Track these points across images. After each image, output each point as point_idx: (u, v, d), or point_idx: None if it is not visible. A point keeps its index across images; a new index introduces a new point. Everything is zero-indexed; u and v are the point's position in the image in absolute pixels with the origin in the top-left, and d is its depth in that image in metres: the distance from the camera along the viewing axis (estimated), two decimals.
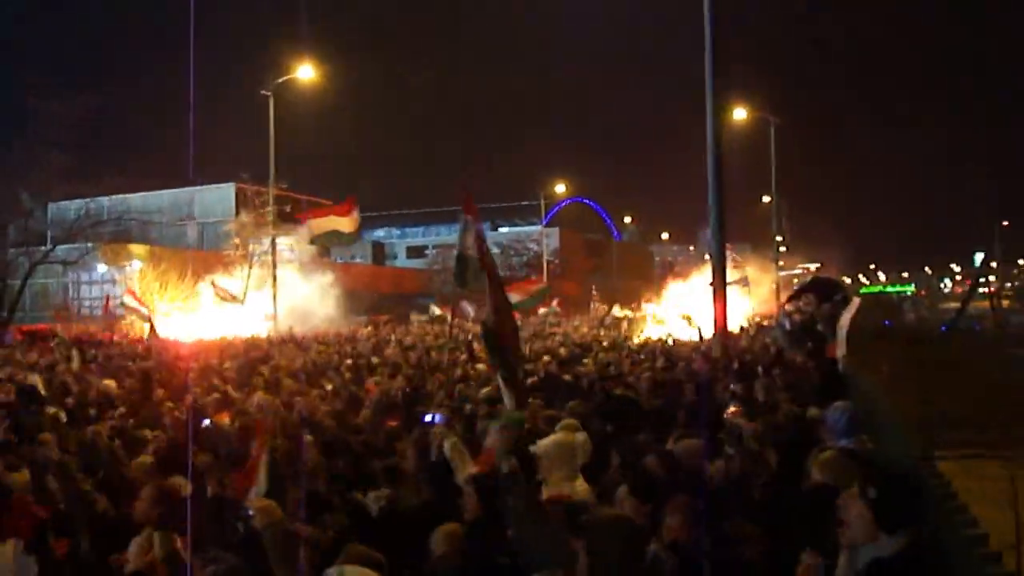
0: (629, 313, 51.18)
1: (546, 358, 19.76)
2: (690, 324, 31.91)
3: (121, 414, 13.11)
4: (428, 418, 9.77)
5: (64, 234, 43.80)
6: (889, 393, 8.47)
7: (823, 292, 12.44)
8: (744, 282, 41.71)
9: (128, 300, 40.25)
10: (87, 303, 50.76)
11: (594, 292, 63.92)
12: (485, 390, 13.15)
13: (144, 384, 15.47)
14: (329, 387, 16.09)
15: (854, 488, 4.43)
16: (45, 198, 44.67)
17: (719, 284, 20.30)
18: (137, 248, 51.30)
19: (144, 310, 38.47)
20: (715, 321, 20.55)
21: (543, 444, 7.97)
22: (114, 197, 45.90)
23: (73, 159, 42.00)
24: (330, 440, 10.24)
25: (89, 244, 45.28)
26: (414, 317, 52.96)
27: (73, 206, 44.87)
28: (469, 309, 36.54)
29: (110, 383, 16.30)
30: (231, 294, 40.33)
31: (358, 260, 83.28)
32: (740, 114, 49.25)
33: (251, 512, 5.67)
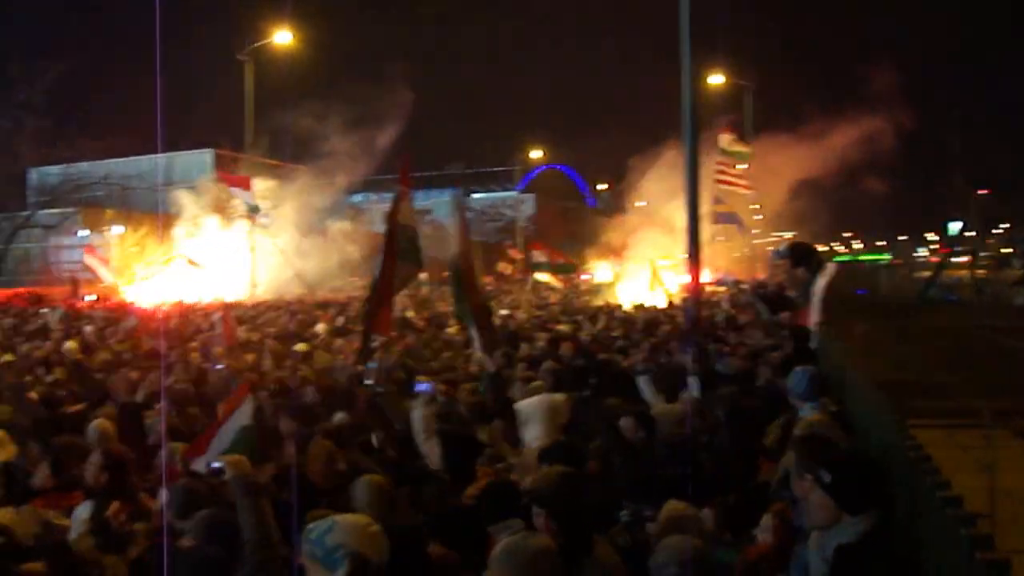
0: (608, 279, 51.04)
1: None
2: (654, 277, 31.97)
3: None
4: (420, 387, 9.72)
5: (45, 199, 43.59)
6: (863, 359, 8.44)
7: (797, 256, 12.38)
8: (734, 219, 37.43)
9: (88, 260, 39.82)
10: (67, 267, 50.66)
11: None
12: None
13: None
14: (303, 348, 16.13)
15: (810, 475, 4.38)
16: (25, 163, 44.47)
17: (693, 253, 20.18)
18: (116, 213, 51.10)
19: (105, 272, 38.12)
20: (690, 290, 20.63)
21: (526, 402, 8.04)
22: (94, 162, 45.63)
23: (52, 124, 41.81)
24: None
25: (70, 209, 45.06)
26: None
27: (54, 171, 44.63)
28: None
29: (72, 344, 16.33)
30: (193, 261, 40.30)
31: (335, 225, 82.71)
32: (717, 80, 49.21)
33: (220, 465, 5.58)
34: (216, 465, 5.74)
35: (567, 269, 41.56)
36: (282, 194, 46.81)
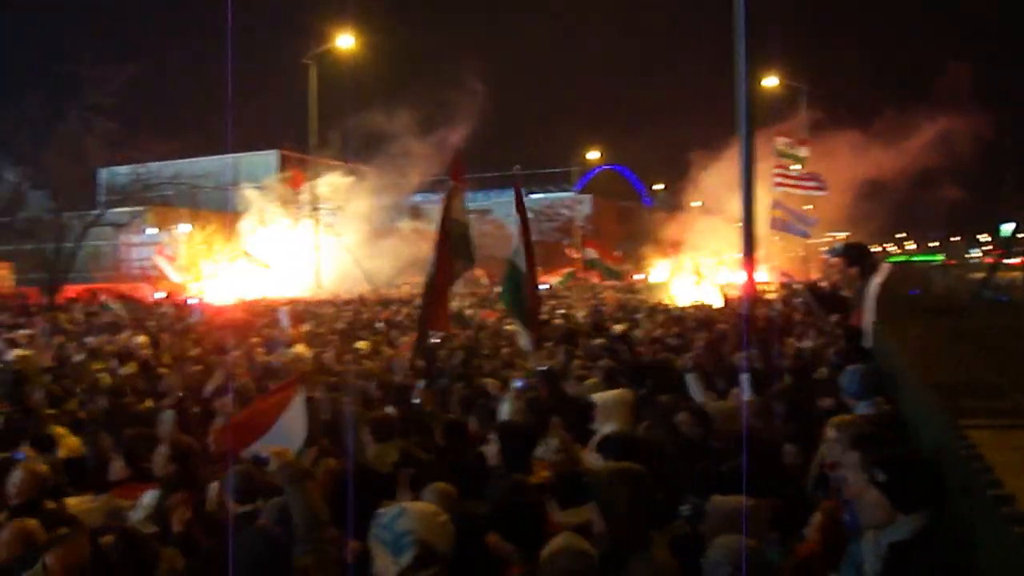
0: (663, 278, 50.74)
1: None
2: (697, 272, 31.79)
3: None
4: (517, 384, 9.89)
5: (114, 198, 44.38)
6: (916, 359, 8.45)
7: (851, 256, 12.36)
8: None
9: (159, 260, 40.41)
10: (136, 264, 51.99)
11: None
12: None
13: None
14: (364, 346, 16.30)
15: (863, 474, 4.39)
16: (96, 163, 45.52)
17: (748, 254, 20.16)
18: (184, 211, 52.16)
19: (172, 270, 38.63)
20: (744, 289, 20.60)
21: (604, 396, 8.14)
22: (162, 162, 46.42)
23: (122, 125, 42.49)
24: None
25: (139, 207, 46.03)
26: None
27: (123, 171, 45.41)
28: None
29: (143, 339, 16.65)
30: (260, 260, 40.68)
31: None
32: (771, 82, 48.74)
33: (265, 455, 5.80)
34: (263, 455, 5.94)
35: (615, 275, 41.73)
36: (346, 194, 47.26)
